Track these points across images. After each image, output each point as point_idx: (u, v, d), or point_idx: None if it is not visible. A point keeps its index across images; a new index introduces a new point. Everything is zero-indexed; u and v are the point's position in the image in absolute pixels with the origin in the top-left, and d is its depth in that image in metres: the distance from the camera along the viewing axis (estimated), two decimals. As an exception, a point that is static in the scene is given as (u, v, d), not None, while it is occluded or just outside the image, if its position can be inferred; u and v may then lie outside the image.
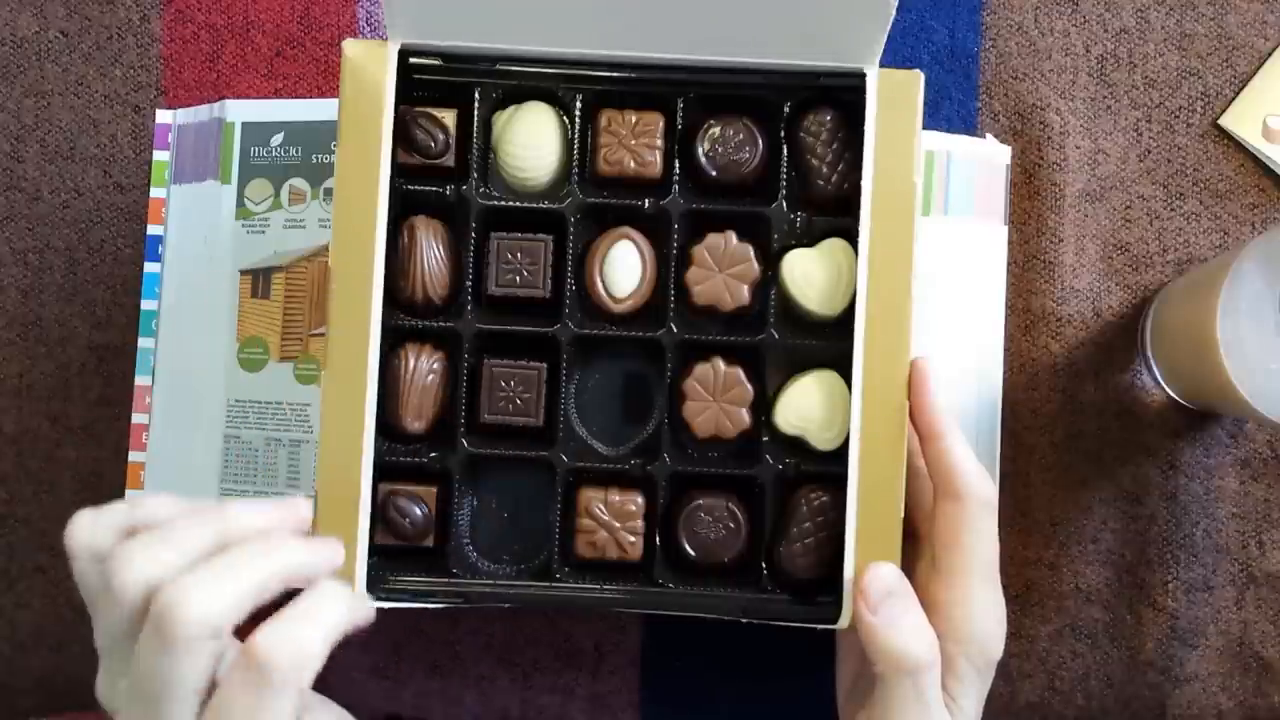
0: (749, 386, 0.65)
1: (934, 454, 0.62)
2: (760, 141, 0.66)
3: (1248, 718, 0.77)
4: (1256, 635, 0.77)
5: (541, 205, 0.66)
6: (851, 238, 0.63)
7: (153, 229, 0.81)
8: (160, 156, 0.81)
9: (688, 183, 0.66)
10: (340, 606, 0.54)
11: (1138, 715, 0.77)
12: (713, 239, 0.65)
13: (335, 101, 0.63)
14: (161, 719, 0.52)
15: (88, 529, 0.55)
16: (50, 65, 0.82)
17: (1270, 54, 0.78)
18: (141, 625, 0.52)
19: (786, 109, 0.66)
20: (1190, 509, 0.77)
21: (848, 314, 0.63)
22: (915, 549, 0.65)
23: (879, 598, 0.60)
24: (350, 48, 0.63)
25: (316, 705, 0.62)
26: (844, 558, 0.62)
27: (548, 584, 0.66)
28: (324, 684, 0.79)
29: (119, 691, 0.55)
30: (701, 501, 0.65)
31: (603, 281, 0.65)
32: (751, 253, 0.65)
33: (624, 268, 0.65)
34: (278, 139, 0.79)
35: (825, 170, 0.65)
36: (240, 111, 0.80)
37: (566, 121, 0.67)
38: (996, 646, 0.62)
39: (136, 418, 0.81)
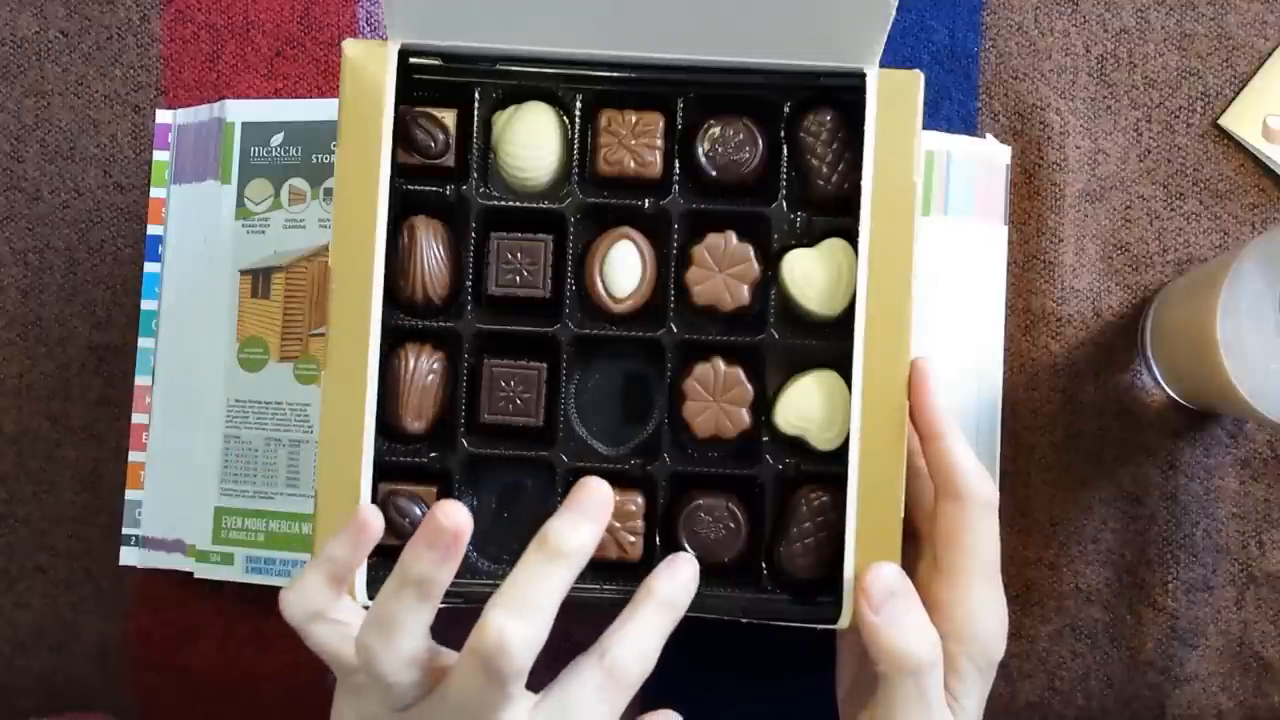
0: (749, 386, 0.65)
1: (934, 454, 0.62)
2: (760, 141, 0.66)
3: (1248, 718, 0.77)
4: (1256, 635, 0.77)
5: (541, 205, 0.66)
6: (851, 238, 0.63)
7: (153, 229, 0.81)
8: (160, 156, 0.81)
9: (688, 183, 0.66)
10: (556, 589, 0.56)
11: (1138, 715, 0.77)
12: (713, 239, 0.65)
13: (335, 101, 0.63)
14: None
15: (298, 601, 0.59)
16: (50, 65, 0.82)
17: (1270, 54, 0.78)
18: (427, 682, 0.57)
19: (786, 109, 0.66)
20: (1190, 509, 0.77)
21: (848, 314, 0.63)
22: (916, 549, 0.65)
23: (881, 597, 0.60)
24: (350, 47, 0.63)
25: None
26: (844, 558, 0.62)
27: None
28: (324, 683, 0.80)
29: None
30: (701, 501, 0.65)
31: (603, 281, 0.65)
32: (751, 253, 0.65)
33: (624, 268, 0.65)
34: (278, 139, 0.79)
35: (825, 170, 0.65)
36: (240, 111, 0.80)
37: (566, 121, 0.67)
38: (998, 646, 0.62)
39: (136, 418, 0.81)
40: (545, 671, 0.76)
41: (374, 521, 0.57)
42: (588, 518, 0.57)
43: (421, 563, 0.55)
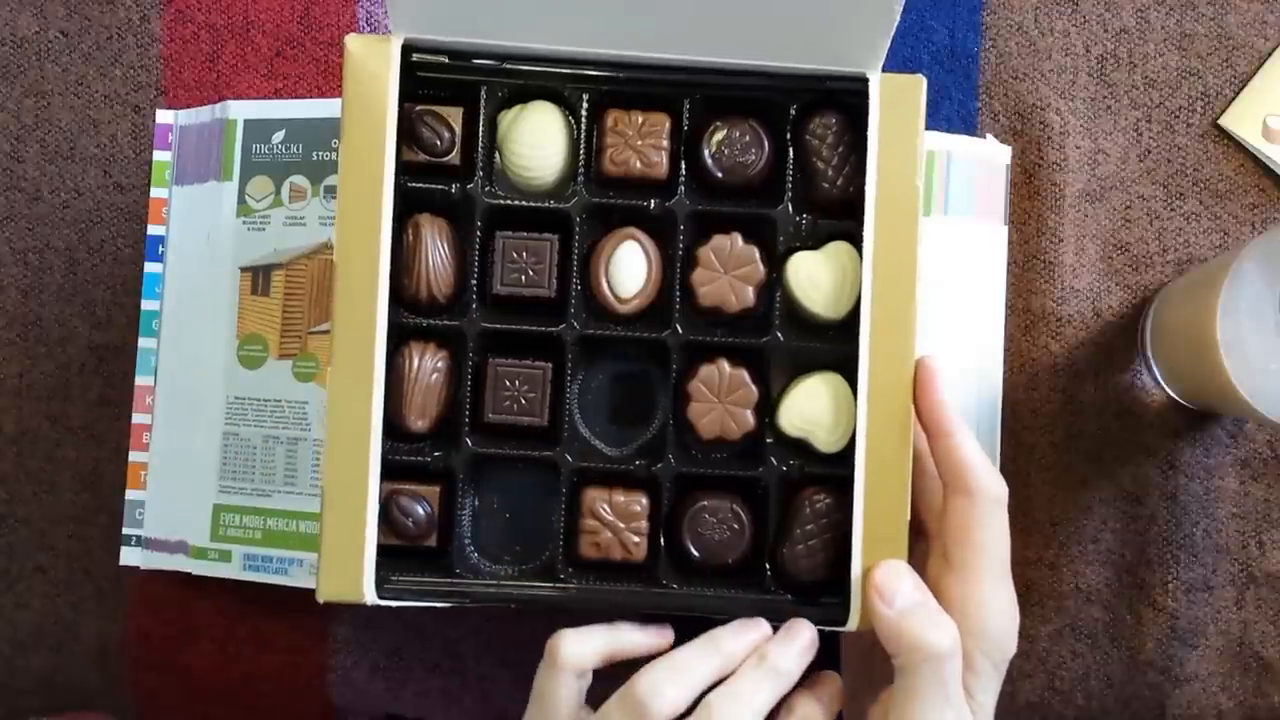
0: (754, 388, 0.65)
1: (943, 451, 0.62)
2: (766, 144, 0.66)
3: (1248, 718, 0.78)
4: (1256, 635, 0.77)
5: (547, 205, 0.66)
6: (856, 241, 0.63)
7: (153, 229, 0.81)
8: (160, 156, 0.81)
9: (693, 184, 0.66)
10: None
11: (1138, 715, 0.78)
12: (718, 240, 0.65)
13: (337, 100, 0.63)
14: None
15: (577, 650, 0.63)
16: (50, 65, 0.82)
17: (1270, 54, 0.78)
18: None
19: (792, 111, 0.66)
20: (1190, 509, 0.77)
21: (852, 316, 0.63)
22: (924, 547, 0.65)
23: (894, 592, 0.60)
24: (353, 43, 0.62)
25: None
26: (849, 560, 0.62)
27: (551, 584, 0.66)
28: (324, 683, 0.80)
29: None
30: (706, 503, 0.65)
31: (608, 282, 0.65)
32: (757, 254, 0.65)
33: (629, 268, 0.65)
34: (279, 136, 0.79)
35: (830, 173, 0.65)
36: (242, 109, 0.79)
37: (572, 121, 0.66)
38: (1011, 642, 0.62)
39: (136, 418, 0.81)
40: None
41: (670, 636, 0.65)
42: (803, 651, 0.62)
43: (786, 660, 0.61)
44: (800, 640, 0.62)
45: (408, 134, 0.65)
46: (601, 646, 0.63)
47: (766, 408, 0.66)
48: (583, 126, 0.66)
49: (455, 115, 0.66)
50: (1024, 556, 0.78)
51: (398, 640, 0.80)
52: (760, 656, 0.61)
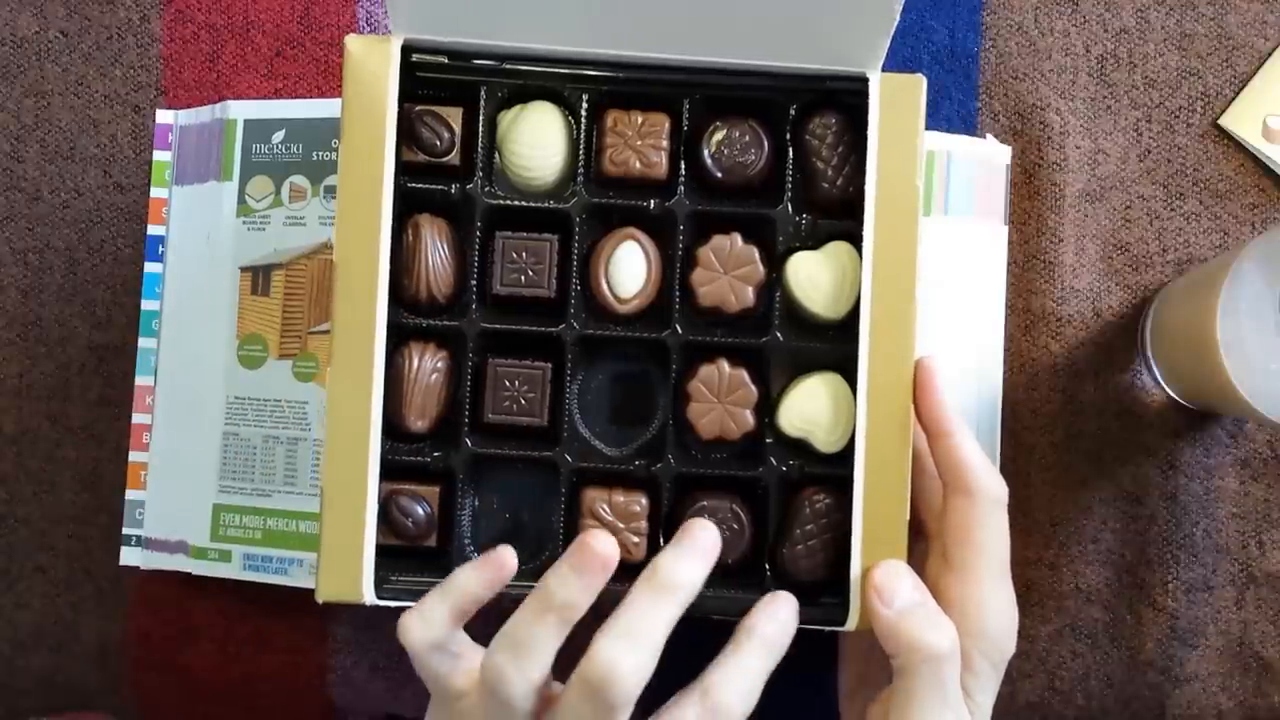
0: (753, 388, 0.65)
1: (943, 451, 0.62)
2: (766, 144, 0.66)
3: (1248, 718, 0.78)
4: (1256, 635, 0.77)
5: (547, 205, 0.66)
6: (856, 241, 0.63)
7: (153, 229, 0.81)
8: (160, 156, 0.81)
9: (693, 184, 0.66)
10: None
11: (1138, 715, 0.78)
12: (718, 240, 0.65)
13: (337, 100, 0.63)
14: None
15: (421, 628, 0.61)
16: (50, 65, 0.82)
17: (1270, 54, 0.78)
18: (537, 711, 0.59)
19: (792, 111, 0.66)
20: (1190, 509, 0.77)
21: (852, 317, 0.63)
22: (923, 548, 0.65)
23: (893, 592, 0.60)
24: (353, 43, 0.62)
25: None
26: (849, 560, 0.62)
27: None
28: (324, 683, 0.80)
29: None
30: (706, 503, 0.65)
31: (608, 282, 0.65)
32: (756, 255, 0.65)
33: (629, 268, 0.65)
34: (279, 136, 0.79)
35: (830, 173, 0.65)
36: (242, 109, 0.79)
37: (572, 121, 0.66)
38: (1010, 643, 0.62)
39: (136, 418, 0.81)
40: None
41: (510, 562, 0.61)
42: (698, 555, 0.60)
43: (569, 588, 0.58)
44: (783, 611, 0.61)
45: (407, 134, 0.65)
46: (442, 608, 0.61)
47: (766, 408, 0.66)
48: (582, 127, 0.66)
49: (455, 115, 0.66)
50: (1024, 556, 0.78)
51: (398, 640, 0.80)
52: (748, 631, 0.60)
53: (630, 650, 0.56)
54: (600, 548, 0.58)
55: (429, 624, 0.61)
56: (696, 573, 0.59)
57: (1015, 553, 0.76)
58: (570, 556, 0.59)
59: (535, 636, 0.58)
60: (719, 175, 0.66)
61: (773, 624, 0.60)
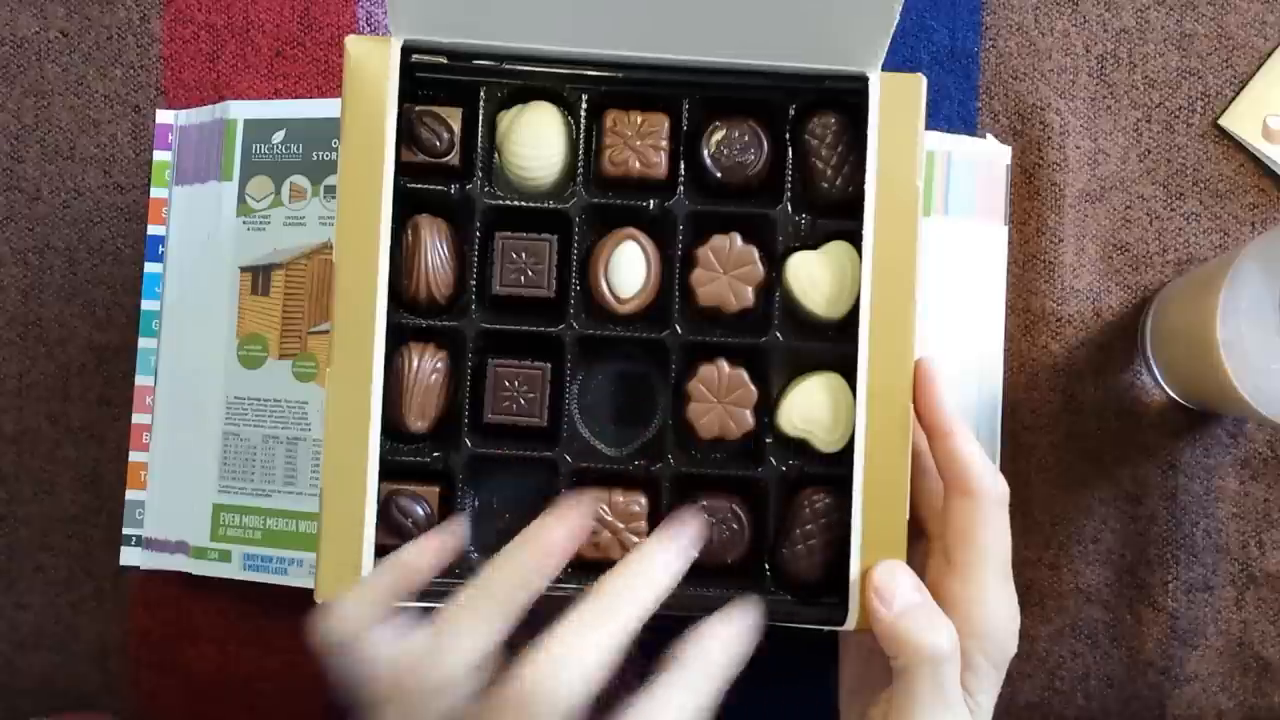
0: (753, 388, 0.65)
1: (943, 451, 0.62)
2: (765, 144, 0.66)
3: (1248, 718, 0.78)
4: (1256, 635, 0.77)
5: (546, 205, 0.66)
6: (856, 241, 0.63)
7: (153, 229, 0.81)
8: (160, 156, 0.81)
9: (693, 184, 0.66)
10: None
11: (1138, 715, 0.78)
12: (717, 240, 0.65)
13: (337, 100, 0.63)
14: None
15: (338, 625, 0.57)
16: (50, 65, 0.82)
17: (1270, 54, 0.78)
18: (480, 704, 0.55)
19: (792, 111, 0.66)
20: (1190, 509, 0.77)
21: (851, 317, 0.63)
22: (924, 548, 0.65)
23: (893, 592, 0.60)
24: (353, 44, 0.62)
25: None
26: (848, 560, 0.62)
27: (550, 585, 0.65)
28: (324, 683, 0.80)
29: None
30: (705, 503, 0.65)
31: (607, 282, 0.65)
32: (756, 255, 0.65)
33: (628, 268, 0.65)
34: (279, 136, 0.79)
35: (830, 173, 0.65)
36: (242, 109, 0.79)
37: (571, 121, 0.66)
38: (1011, 643, 0.62)
39: (136, 418, 0.81)
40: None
41: (458, 529, 0.60)
42: (643, 576, 0.59)
43: (520, 567, 0.57)
44: (724, 629, 0.59)
45: (407, 135, 0.65)
46: (380, 580, 0.59)
47: (766, 408, 0.66)
48: (582, 127, 0.66)
49: (455, 116, 0.66)
50: (1024, 556, 0.78)
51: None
52: (678, 662, 0.57)
53: (567, 666, 0.55)
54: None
55: (347, 622, 0.58)
56: (643, 595, 0.57)
57: (1015, 553, 0.76)
58: (521, 538, 0.58)
59: (586, 637, 0.56)
60: (718, 175, 0.66)
61: (700, 657, 0.58)
